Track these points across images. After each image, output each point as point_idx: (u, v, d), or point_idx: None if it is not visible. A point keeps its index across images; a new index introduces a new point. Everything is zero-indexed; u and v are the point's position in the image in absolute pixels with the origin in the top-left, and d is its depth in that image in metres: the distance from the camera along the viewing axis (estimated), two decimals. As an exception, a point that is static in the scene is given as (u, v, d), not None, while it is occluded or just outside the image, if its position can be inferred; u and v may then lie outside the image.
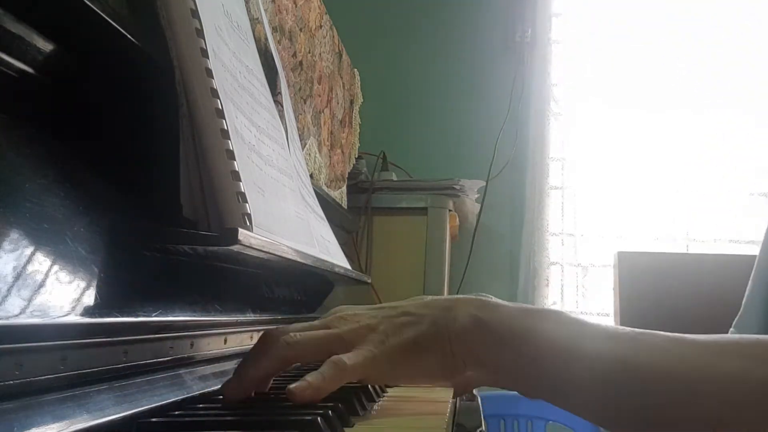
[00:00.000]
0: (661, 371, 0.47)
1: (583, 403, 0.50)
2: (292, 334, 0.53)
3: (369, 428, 0.51)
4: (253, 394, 0.55)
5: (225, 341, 0.61)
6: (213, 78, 0.59)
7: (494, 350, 0.51)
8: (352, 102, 1.75)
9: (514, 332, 0.51)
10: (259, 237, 0.57)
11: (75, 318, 0.40)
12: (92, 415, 0.40)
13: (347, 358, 0.50)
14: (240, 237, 0.53)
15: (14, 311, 0.36)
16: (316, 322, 0.55)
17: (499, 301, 0.53)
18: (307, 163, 1.18)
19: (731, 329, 0.84)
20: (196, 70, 0.59)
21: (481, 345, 0.51)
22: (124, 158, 0.57)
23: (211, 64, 0.60)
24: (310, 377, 0.50)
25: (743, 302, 0.83)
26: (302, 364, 0.58)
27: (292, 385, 0.50)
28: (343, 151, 1.64)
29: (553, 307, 0.60)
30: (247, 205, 0.58)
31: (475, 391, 0.73)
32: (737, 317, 0.84)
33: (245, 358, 0.55)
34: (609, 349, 0.49)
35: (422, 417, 0.56)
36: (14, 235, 0.39)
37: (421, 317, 0.52)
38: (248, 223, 0.57)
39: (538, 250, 2.33)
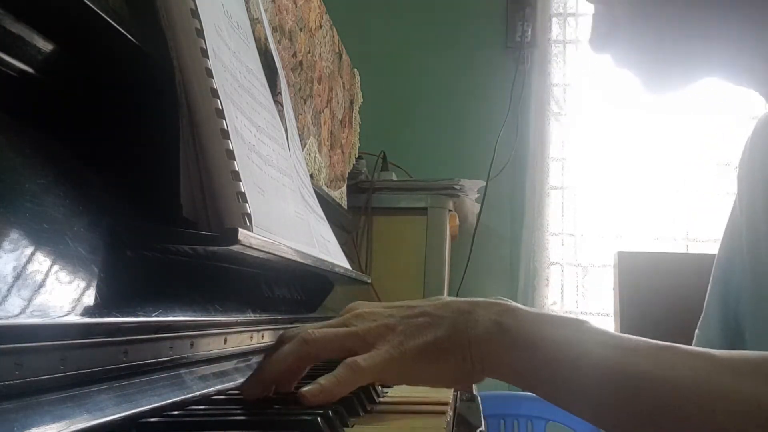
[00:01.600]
0: (678, 388, 0.46)
1: (595, 414, 0.50)
2: (309, 331, 0.52)
3: (369, 428, 0.51)
4: (272, 393, 0.54)
5: (225, 341, 0.61)
6: (213, 78, 0.59)
7: (514, 356, 0.50)
8: (352, 102, 1.75)
9: (534, 339, 0.50)
10: (259, 237, 0.57)
11: (75, 318, 0.40)
12: (92, 415, 0.40)
13: (363, 359, 0.50)
14: (240, 237, 0.53)
15: (14, 311, 0.36)
16: (333, 321, 0.55)
17: (520, 306, 0.52)
18: (307, 163, 1.18)
19: (696, 331, 0.85)
20: (196, 70, 0.59)
21: (500, 350, 0.50)
22: (124, 158, 0.57)
23: (211, 64, 0.60)
24: (323, 380, 0.50)
25: (705, 303, 0.83)
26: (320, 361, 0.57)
27: (304, 389, 0.49)
28: (343, 151, 1.64)
29: (578, 316, 0.60)
30: (247, 205, 0.58)
31: (474, 391, 0.73)
32: (701, 319, 0.84)
33: (264, 357, 0.54)
34: (628, 362, 0.48)
35: (422, 417, 0.56)
36: (14, 235, 0.39)
37: (440, 319, 0.51)
38: (248, 223, 0.57)
39: (538, 250, 2.33)
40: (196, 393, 0.53)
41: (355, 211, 1.85)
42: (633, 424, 0.48)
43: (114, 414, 0.41)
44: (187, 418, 0.47)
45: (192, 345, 0.54)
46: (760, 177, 0.72)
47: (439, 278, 1.94)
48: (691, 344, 0.86)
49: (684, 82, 0.64)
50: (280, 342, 0.54)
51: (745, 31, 0.58)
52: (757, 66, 0.61)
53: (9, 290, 0.36)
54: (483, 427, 0.61)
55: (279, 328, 0.76)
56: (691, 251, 2.31)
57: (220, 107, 0.59)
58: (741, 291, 0.76)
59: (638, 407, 0.47)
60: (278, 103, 0.94)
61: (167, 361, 0.50)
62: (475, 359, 0.50)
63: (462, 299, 0.53)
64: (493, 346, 0.50)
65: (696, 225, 2.33)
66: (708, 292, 0.83)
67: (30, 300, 0.38)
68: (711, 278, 0.83)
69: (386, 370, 0.50)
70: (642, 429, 0.47)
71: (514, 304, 0.52)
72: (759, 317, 0.72)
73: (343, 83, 1.61)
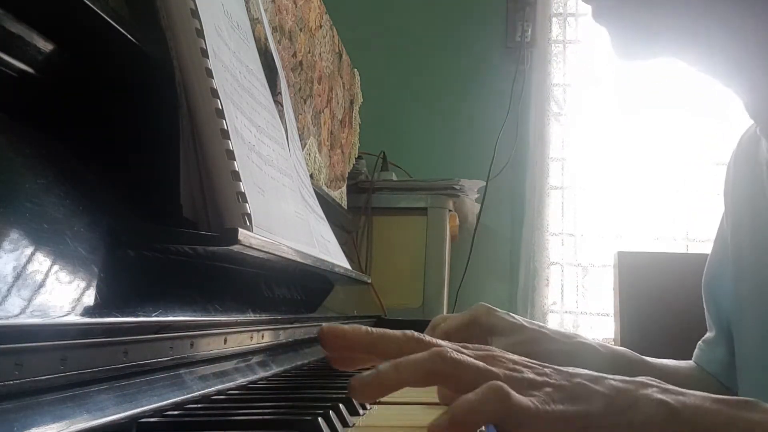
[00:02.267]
0: None
1: None
2: (449, 349, 0.45)
3: (369, 428, 0.51)
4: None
5: (225, 341, 0.61)
6: (213, 78, 0.59)
7: None
8: (352, 102, 1.75)
9: (713, 425, 0.43)
10: (259, 237, 0.57)
11: (75, 318, 0.40)
12: (92, 415, 0.40)
13: (513, 394, 0.42)
14: (240, 237, 0.53)
15: (14, 311, 0.36)
16: (467, 352, 0.47)
17: (674, 387, 0.46)
18: (307, 163, 1.18)
19: (700, 343, 0.85)
20: (196, 70, 0.59)
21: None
22: (124, 158, 0.57)
23: (211, 64, 0.60)
24: (473, 395, 0.42)
25: (707, 320, 0.83)
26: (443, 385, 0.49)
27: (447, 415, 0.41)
28: (343, 151, 1.64)
29: (751, 400, 0.57)
30: (247, 205, 0.58)
31: None
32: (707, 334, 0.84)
33: (396, 360, 0.45)
34: None
35: (422, 417, 0.56)
36: (14, 235, 0.39)
37: (593, 393, 0.44)
38: (248, 223, 0.57)
39: (538, 250, 2.33)
40: (196, 393, 0.53)
41: (355, 211, 1.85)
42: None
43: (114, 414, 0.41)
44: (187, 418, 0.47)
45: (192, 345, 0.54)
46: (744, 193, 0.72)
47: (439, 278, 1.94)
48: (690, 345, 0.87)
49: (657, 52, 0.64)
50: (395, 340, 0.47)
51: (732, 18, 0.58)
52: (744, 59, 0.60)
53: (9, 290, 0.36)
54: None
55: (279, 328, 0.76)
56: (691, 251, 2.31)
57: (220, 107, 0.59)
58: (726, 301, 0.77)
59: None
60: (278, 103, 0.94)
61: (167, 361, 0.50)
62: None
63: (614, 377, 0.46)
64: (661, 428, 0.43)
65: (696, 225, 2.33)
66: (705, 310, 0.83)
67: (30, 300, 0.38)
68: (703, 295, 0.83)
69: (523, 419, 0.42)
70: None
71: (667, 385, 0.46)
72: (741, 325, 0.72)
73: (343, 83, 1.61)
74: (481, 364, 0.45)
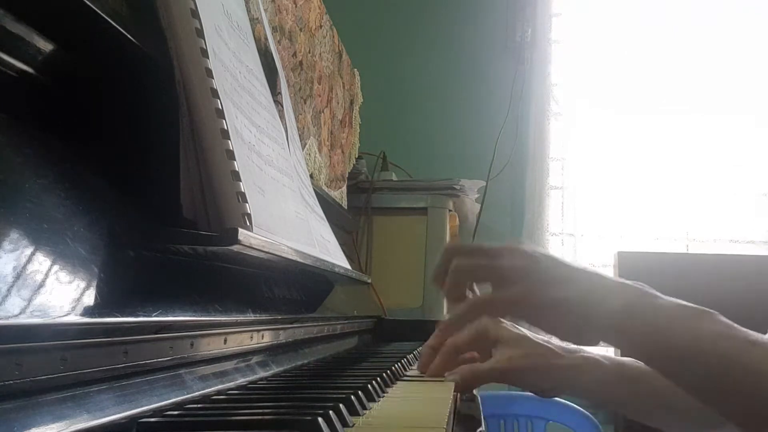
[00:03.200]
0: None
1: (702, 391, 0.55)
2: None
3: (369, 428, 0.51)
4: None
5: (225, 341, 0.61)
6: (213, 78, 0.59)
7: (641, 337, 0.55)
8: (352, 102, 1.75)
9: (660, 323, 0.54)
10: (259, 237, 0.57)
11: (75, 318, 0.40)
12: (92, 415, 0.40)
13: (497, 294, 0.58)
14: (240, 237, 0.53)
15: (14, 311, 0.36)
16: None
17: (658, 294, 0.57)
18: (307, 163, 1.18)
19: None
20: (196, 70, 0.59)
21: (630, 329, 0.56)
22: (124, 158, 0.57)
23: (211, 64, 0.60)
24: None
25: None
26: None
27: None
28: (343, 151, 1.64)
29: (708, 310, 0.64)
30: (247, 205, 0.58)
31: (474, 391, 0.73)
32: None
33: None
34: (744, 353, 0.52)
35: (422, 417, 0.56)
36: (14, 235, 0.39)
37: (574, 283, 0.57)
38: (248, 223, 0.57)
39: (538, 250, 2.33)
40: (196, 393, 0.53)
41: (355, 211, 1.85)
42: (733, 404, 0.53)
43: (114, 414, 0.41)
44: (187, 418, 0.47)
45: (192, 345, 0.54)
46: None
47: (439, 278, 1.93)
48: None
49: None
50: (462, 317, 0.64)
51: None
52: None
53: (9, 290, 0.36)
54: (483, 427, 0.61)
55: (279, 328, 0.76)
56: (691, 251, 2.31)
57: (220, 107, 0.59)
58: None
59: (737, 390, 0.52)
60: (278, 103, 0.94)
61: (167, 361, 0.50)
62: (601, 328, 0.56)
63: (609, 277, 0.59)
64: (625, 325, 0.55)
65: (696, 225, 2.33)
66: None
67: (30, 300, 0.38)
68: None
69: (516, 306, 0.57)
70: (746, 415, 0.53)
71: (652, 291, 0.57)
72: None
73: (343, 83, 1.61)
74: (488, 261, 0.60)
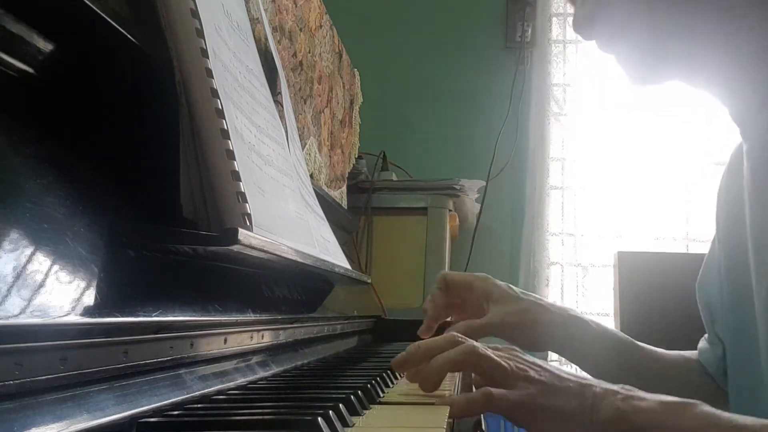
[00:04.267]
0: None
1: None
2: (479, 346, 0.61)
3: (369, 428, 0.51)
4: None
5: (225, 341, 0.61)
6: (213, 78, 0.59)
7: None
8: (352, 102, 1.75)
9: (650, 425, 0.54)
10: (259, 237, 0.57)
11: (75, 318, 0.40)
12: (92, 415, 0.40)
13: (497, 392, 0.57)
14: (240, 237, 0.53)
15: (14, 311, 0.36)
16: (490, 352, 0.62)
17: (641, 393, 0.56)
18: (307, 163, 1.18)
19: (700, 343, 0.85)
20: (196, 70, 0.59)
21: None
22: (124, 158, 0.57)
23: (211, 64, 0.60)
24: (458, 397, 0.58)
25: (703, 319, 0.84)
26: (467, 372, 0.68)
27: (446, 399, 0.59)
28: (343, 151, 1.64)
29: (691, 401, 0.66)
30: (247, 205, 0.58)
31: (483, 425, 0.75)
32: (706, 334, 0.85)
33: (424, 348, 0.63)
34: None
35: (422, 417, 0.56)
36: (14, 235, 0.39)
37: (572, 391, 0.57)
38: (248, 223, 0.57)
39: (538, 250, 2.33)
40: (196, 393, 0.53)
41: (355, 211, 1.85)
42: None
43: (114, 414, 0.41)
44: (187, 418, 0.47)
45: (192, 345, 0.54)
46: (734, 209, 0.75)
47: (439, 278, 1.93)
48: (689, 345, 0.87)
49: (666, 75, 0.69)
50: (441, 344, 0.62)
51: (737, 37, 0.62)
52: (734, 76, 0.66)
53: (9, 290, 0.36)
54: (483, 427, 0.61)
55: (279, 328, 0.76)
56: (691, 251, 2.31)
57: (220, 107, 0.59)
58: (716, 312, 0.78)
59: None
60: (278, 103, 0.94)
61: (167, 361, 0.50)
62: None
63: (594, 382, 0.59)
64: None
65: (696, 225, 2.33)
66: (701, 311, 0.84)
67: (30, 300, 0.38)
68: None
69: (514, 410, 0.57)
70: None
71: (636, 392, 0.57)
72: (734, 336, 0.73)
73: (343, 83, 1.61)
74: (497, 361, 0.59)
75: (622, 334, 0.86)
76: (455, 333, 0.66)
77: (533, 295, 0.86)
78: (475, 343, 0.62)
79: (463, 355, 0.60)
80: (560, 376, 0.59)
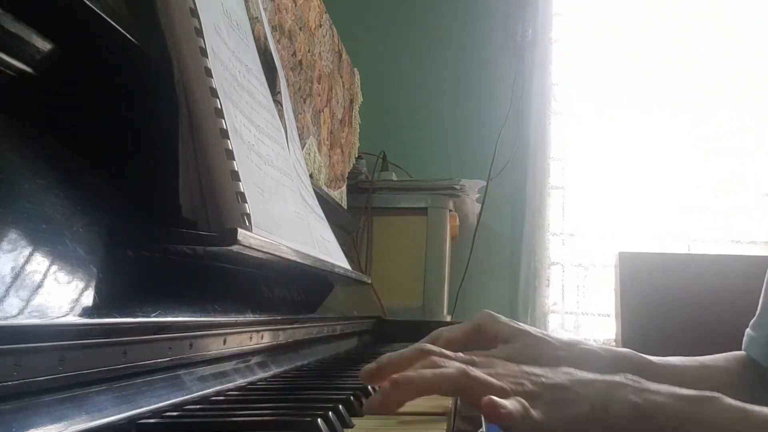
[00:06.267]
0: None
1: None
2: (471, 368, 0.52)
3: (369, 429, 0.51)
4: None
5: (224, 342, 0.61)
6: (212, 77, 0.59)
7: None
8: (352, 102, 1.74)
9: (675, 422, 0.50)
10: (259, 237, 0.57)
11: (74, 318, 0.40)
12: (91, 416, 0.40)
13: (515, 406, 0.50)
14: (239, 237, 0.53)
15: (13, 311, 0.36)
16: (475, 358, 0.56)
17: (650, 384, 0.52)
18: (306, 163, 1.17)
19: (747, 330, 0.83)
20: (195, 69, 0.59)
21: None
22: (123, 158, 0.57)
23: (210, 63, 0.60)
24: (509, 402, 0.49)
25: (760, 302, 0.82)
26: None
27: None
28: (343, 151, 1.64)
29: (712, 396, 0.62)
30: (246, 205, 0.58)
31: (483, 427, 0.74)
32: (754, 317, 0.83)
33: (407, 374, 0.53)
34: None
35: (423, 418, 0.56)
36: (14, 235, 0.39)
37: (579, 396, 0.52)
38: (247, 223, 0.57)
39: (539, 250, 2.33)
40: (196, 394, 0.53)
41: (355, 211, 1.85)
42: None
43: (113, 415, 0.41)
44: (187, 419, 0.47)
45: (191, 346, 0.54)
46: None
47: (439, 278, 1.94)
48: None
49: None
50: (407, 358, 0.55)
51: None
52: None
53: (8, 290, 0.36)
54: (483, 428, 0.61)
55: (278, 329, 0.76)
56: (692, 251, 2.31)
57: (220, 107, 0.59)
58: None
59: None
60: (278, 103, 0.94)
61: (166, 361, 0.50)
62: None
63: (593, 376, 0.54)
64: (631, 428, 0.51)
65: (697, 225, 2.33)
66: (764, 291, 0.82)
67: (29, 300, 0.37)
68: (765, 280, 0.82)
69: (530, 427, 0.50)
70: None
71: (643, 383, 0.52)
72: None
73: (343, 83, 1.61)
74: (495, 382, 0.52)
75: (634, 353, 0.83)
76: (431, 347, 0.58)
77: (540, 330, 0.82)
78: (458, 364, 0.54)
79: (454, 379, 0.52)
80: (556, 383, 0.54)
